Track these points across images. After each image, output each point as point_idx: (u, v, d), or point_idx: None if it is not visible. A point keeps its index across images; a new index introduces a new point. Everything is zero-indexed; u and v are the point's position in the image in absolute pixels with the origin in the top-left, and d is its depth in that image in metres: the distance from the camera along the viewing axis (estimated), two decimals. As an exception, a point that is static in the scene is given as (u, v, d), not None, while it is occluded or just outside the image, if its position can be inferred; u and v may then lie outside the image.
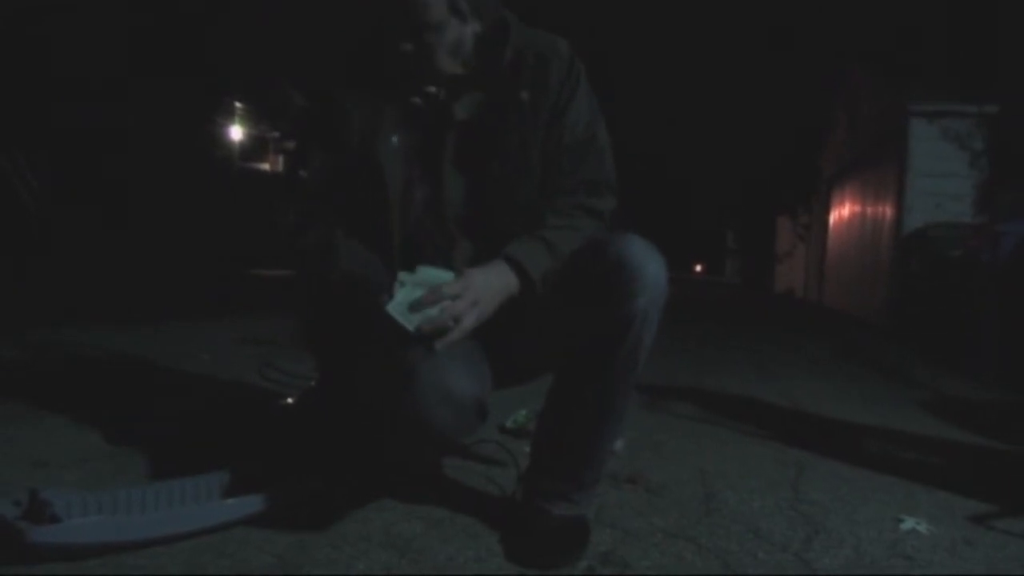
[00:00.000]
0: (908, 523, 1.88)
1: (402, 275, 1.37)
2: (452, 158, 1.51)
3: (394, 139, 1.50)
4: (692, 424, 2.98)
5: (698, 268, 57.07)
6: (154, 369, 3.39)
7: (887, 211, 10.11)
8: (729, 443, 2.68)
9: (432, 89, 1.51)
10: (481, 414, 1.40)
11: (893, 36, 11.65)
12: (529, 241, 1.47)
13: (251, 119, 20.47)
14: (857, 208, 12.37)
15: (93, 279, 7.04)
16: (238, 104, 19.76)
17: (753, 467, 2.34)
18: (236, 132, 20.22)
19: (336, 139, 1.53)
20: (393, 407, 1.33)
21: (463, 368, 1.36)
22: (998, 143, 8.75)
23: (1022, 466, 2.76)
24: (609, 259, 1.36)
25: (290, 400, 2.44)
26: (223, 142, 19.28)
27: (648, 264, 1.36)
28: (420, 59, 1.45)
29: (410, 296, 1.33)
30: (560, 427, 1.51)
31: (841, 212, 13.75)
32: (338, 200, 1.55)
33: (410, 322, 1.32)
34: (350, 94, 1.54)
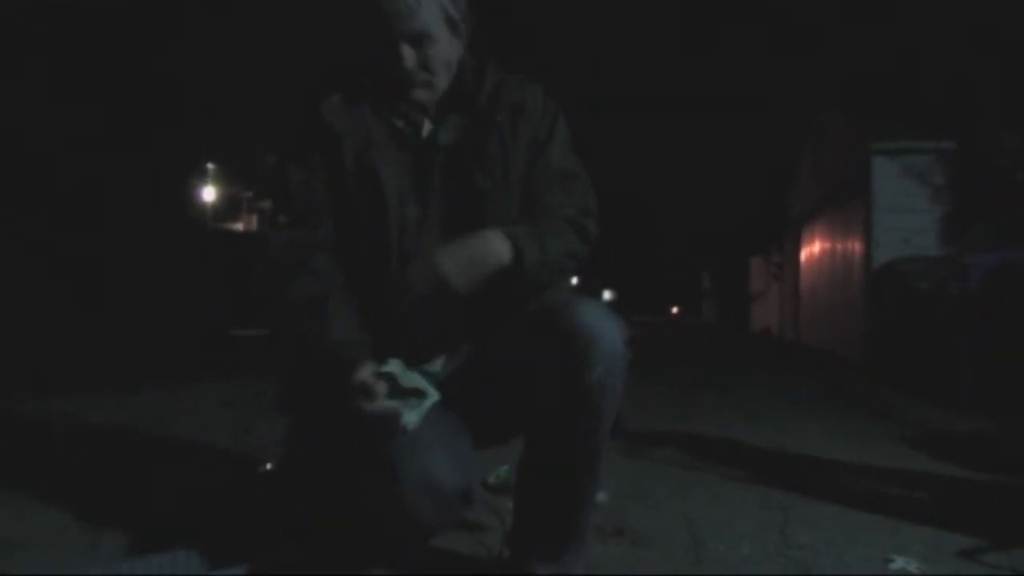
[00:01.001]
0: (898, 563, 1.88)
1: (394, 364, 1.32)
2: (439, 181, 1.51)
3: (387, 156, 1.49)
4: (676, 471, 2.97)
5: (675, 310, 57.45)
6: (129, 438, 3.32)
7: (856, 247, 10.29)
8: (714, 489, 2.66)
9: (417, 115, 1.51)
10: (467, 501, 1.37)
11: (856, 80, 12.03)
12: (522, 227, 1.46)
13: (224, 179, 20.52)
14: (827, 246, 12.58)
15: (68, 351, 6.93)
16: (210, 165, 19.83)
17: (740, 513, 2.33)
18: (209, 193, 20.25)
19: (329, 162, 1.49)
20: (378, 503, 1.30)
21: (448, 457, 1.32)
22: (957, 178, 8.99)
23: (1005, 498, 2.77)
24: (561, 330, 1.35)
25: (269, 466, 2.40)
26: (196, 204, 19.27)
27: (602, 333, 1.34)
28: (416, 71, 1.44)
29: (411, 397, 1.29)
30: (535, 492, 1.50)
31: (812, 250, 13.97)
32: (327, 225, 1.49)
33: (410, 421, 1.27)
34: (340, 115, 1.50)
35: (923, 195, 9.22)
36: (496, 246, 1.39)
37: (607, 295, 50.20)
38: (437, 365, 1.53)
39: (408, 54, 1.43)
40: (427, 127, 1.52)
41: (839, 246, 11.59)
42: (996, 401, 4.93)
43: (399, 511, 1.27)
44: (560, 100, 1.62)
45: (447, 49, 1.47)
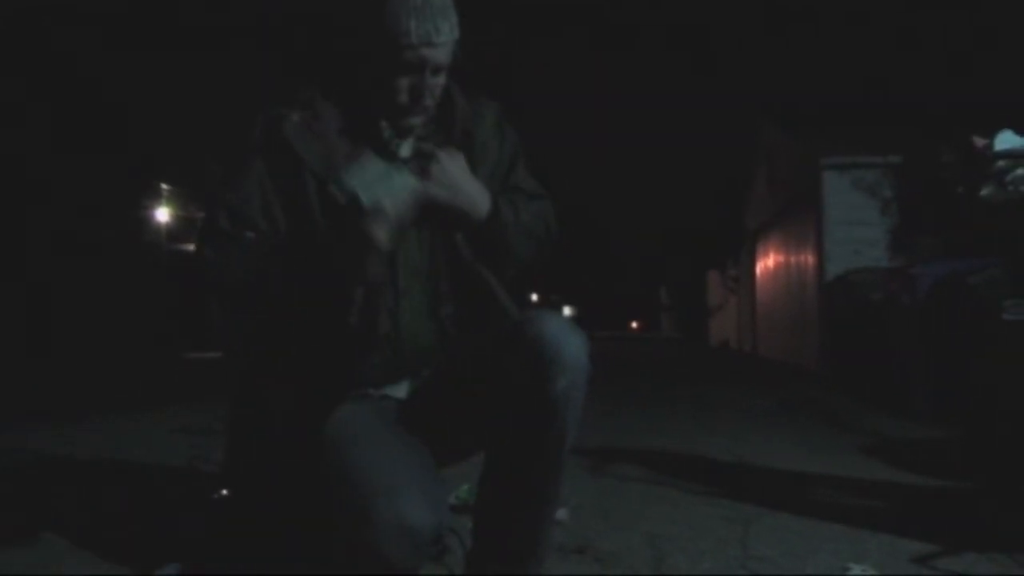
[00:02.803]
0: (855, 570, 1.90)
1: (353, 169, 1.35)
2: None
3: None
4: (638, 486, 2.97)
5: (634, 325, 57.88)
6: (80, 467, 3.22)
7: (809, 260, 10.50)
8: (677, 504, 2.67)
9: (386, 133, 1.48)
10: (438, 537, 1.35)
11: (806, 95, 12.37)
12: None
13: (178, 200, 20.19)
14: (782, 259, 12.82)
15: (10, 378, 6.71)
16: (164, 186, 19.50)
17: (701, 527, 2.34)
18: (163, 214, 19.88)
19: (285, 182, 1.44)
20: (347, 542, 1.26)
21: (420, 493, 1.28)
22: (904, 191, 9.26)
23: (958, 503, 2.83)
24: (525, 342, 1.34)
25: (225, 493, 2.34)
26: (150, 225, 18.92)
27: (566, 344, 1.34)
28: (412, 97, 1.42)
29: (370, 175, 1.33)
30: (495, 510, 1.48)
31: (767, 263, 14.22)
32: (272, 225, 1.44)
33: (368, 196, 1.29)
34: (301, 135, 1.45)
35: (873, 208, 9.47)
36: (481, 192, 1.44)
37: (567, 311, 50.45)
38: (402, 390, 1.51)
39: (424, 83, 1.41)
40: (405, 147, 1.50)
41: (793, 259, 11.82)
42: (948, 409, 5.04)
43: (371, 552, 1.23)
44: (512, 121, 1.63)
45: (444, 80, 1.47)
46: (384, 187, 1.33)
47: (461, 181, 1.42)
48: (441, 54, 1.41)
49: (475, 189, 1.44)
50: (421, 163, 1.41)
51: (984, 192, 2.59)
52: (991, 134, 2.66)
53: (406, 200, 1.35)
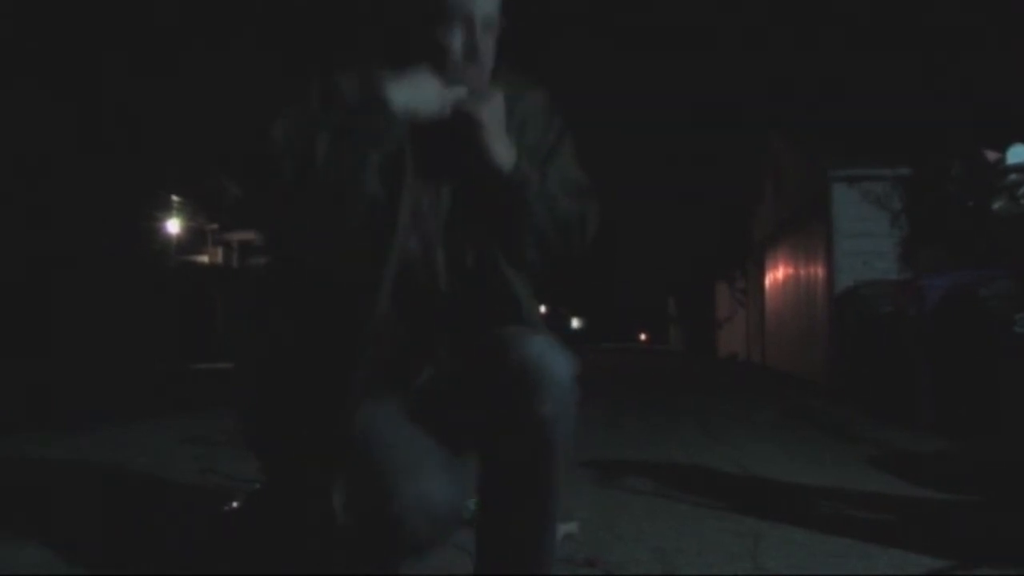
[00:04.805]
0: (866, 586, 1.88)
1: None
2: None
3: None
4: (646, 499, 2.96)
5: (643, 336, 57.72)
6: (88, 478, 3.23)
7: (818, 272, 10.47)
8: (685, 517, 2.66)
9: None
10: (457, 519, 1.35)
11: (814, 105, 12.37)
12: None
13: (189, 212, 20.27)
14: (790, 271, 12.78)
15: (18, 387, 6.74)
16: (175, 197, 19.59)
17: (710, 541, 2.32)
18: (173, 226, 19.96)
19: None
20: (368, 522, 1.25)
21: (441, 471, 1.29)
22: (912, 203, 9.23)
23: (970, 517, 2.81)
24: (509, 367, 1.31)
25: (236, 504, 2.34)
26: (160, 237, 18.98)
27: (551, 368, 1.31)
28: (466, 52, 1.36)
29: None
30: (493, 531, 1.47)
31: (776, 275, 14.18)
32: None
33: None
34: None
35: (882, 220, 9.44)
36: (508, 145, 1.37)
37: (576, 323, 50.37)
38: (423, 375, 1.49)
39: (475, 37, 1.36)
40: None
41: (802, 271, 11.79)
42: (957, 421, 5.01)
43: (393, 530, 1.23)
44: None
45: (494, 39, 1.40)
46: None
47: (494, 119, 1.35)
48: (488, 4, 1.36)
49: (504, 137, 1.37)
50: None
51: (996, 206, 2.59)
52: (1002, 147, 2.66)
53: (434, 92, 1.31)
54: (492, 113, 1.36)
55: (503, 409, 1.33)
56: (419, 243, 1.42)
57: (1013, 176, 2.49)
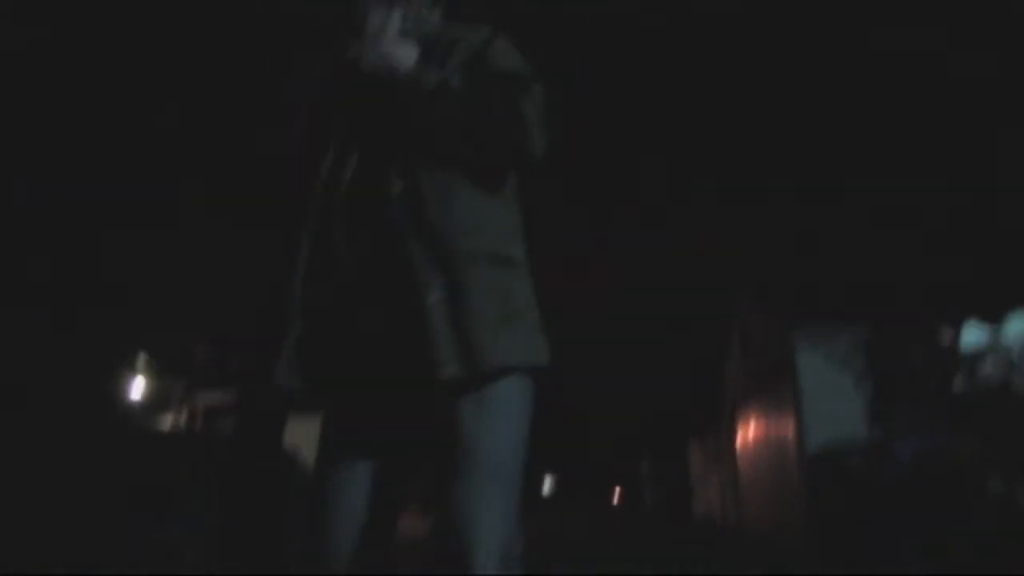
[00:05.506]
0: None
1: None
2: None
3: None
4: None
5: (617, 491, 56.16)
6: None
7: (788, 432, 10.52)
8: None
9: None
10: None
11: (778, 273, 12.86)
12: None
13: (154, 371, 19.81)
14: (761, 431, 12.81)
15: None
16: (143, 355, 19.18)
17: None
18: (138, 386, 19.38)
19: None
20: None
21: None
22: (875, 364, 9.49)
23: None
24: (447, 517, 1.33)
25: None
26: (121, 400, 18.39)
27: (477, 530, 1.31)
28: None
29: None
30: None
31: (747, 435, 14.18)
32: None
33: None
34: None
35: (847, 379, 9.64)
36: (408, 53, 1.44)
37: (548, 480, 49.15)
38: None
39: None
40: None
41: (772, 431, 11.83)
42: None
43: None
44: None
45: None
46: None
47: (387, 26, 1.45)
48: None
49: (401, 44, 1.45)
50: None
51: (957, 389, 2.72)
52: (958, 324, 2.82)
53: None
54: (387, 20, 1.46)
55: (445, 558, 1.33)
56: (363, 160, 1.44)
57: (968, 354, 2.64)
